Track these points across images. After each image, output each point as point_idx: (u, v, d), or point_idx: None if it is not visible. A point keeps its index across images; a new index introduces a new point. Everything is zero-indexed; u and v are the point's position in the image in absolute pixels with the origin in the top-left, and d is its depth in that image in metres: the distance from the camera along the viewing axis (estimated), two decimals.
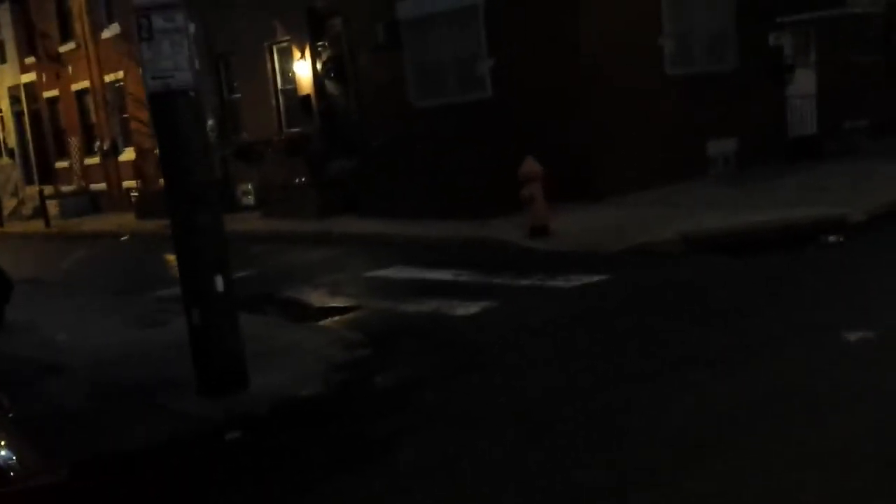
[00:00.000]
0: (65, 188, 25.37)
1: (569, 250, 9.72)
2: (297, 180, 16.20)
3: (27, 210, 25.72)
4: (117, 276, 13.12)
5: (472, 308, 7.59)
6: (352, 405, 5.58)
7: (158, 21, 5.57)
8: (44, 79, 25.83)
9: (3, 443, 2.86)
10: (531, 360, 6.01)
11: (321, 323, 7.82)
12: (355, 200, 14.71)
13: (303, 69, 17.10)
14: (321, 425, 5.25)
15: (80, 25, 23.41)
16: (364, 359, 6.37)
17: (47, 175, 26.46)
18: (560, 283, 8.20)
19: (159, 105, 5.66)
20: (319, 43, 16.86)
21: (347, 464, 4.61)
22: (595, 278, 8.18)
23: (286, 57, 17.64)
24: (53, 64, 24.91)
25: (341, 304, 8.47)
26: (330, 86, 16.92)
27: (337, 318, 7.97)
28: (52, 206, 23.49)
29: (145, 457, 4.77)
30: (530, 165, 10.50)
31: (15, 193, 27.13)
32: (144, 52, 5.59)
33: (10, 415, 3.22)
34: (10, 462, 2.83)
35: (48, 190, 25.00)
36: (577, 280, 8.19)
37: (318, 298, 8.97)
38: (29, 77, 26.51)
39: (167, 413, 5.38)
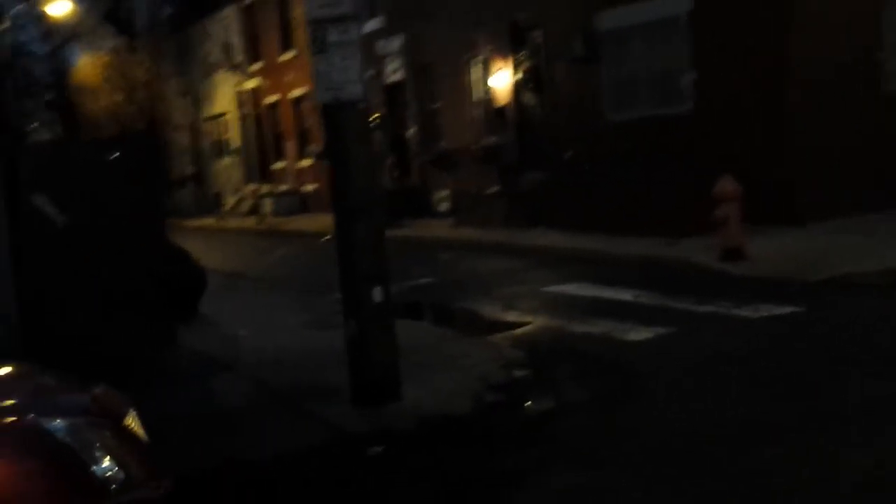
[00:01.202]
0: (279, 188, 26.80)
1: (762, 276, 9.08)
2: (488, 190, 16.26)
3: (244, 207, 27.39)
4: (311, 274, 13.63)
5: (644, 333, 7.23)
6: (496, 429, 5.43)
7: (332, 34, 5.67)
8: (266, 85, 27.47)
9: (106, 454, 2.92)
10: (697, 398, 5.60)
11: (486, 338, 7.73)
12: (544, 212, 14.55)
13: (501, 81, 17.14)
14: (461, 447, 5.14)
15: (300, 35, 24.70)
16: (520, 380, 6.21)
17: (265, 175, 28.08)
18: (747, 312, 7.64)
19: (329, 116, 5.77)
20: (518, 55, 16.85)
21: (473, 496, 4.47)
22: (787, 310, 7.55)
23: (485, 68, 17.76)
24: (274, 71, 26.41)
25: (511, 320, 8.35)
26: (526, 97, 16.87)
27: (503, 333, 7.85)
28: (267, 204, 24.90)
29: (277, 465, 4.83)
30: (727, 184, 9.92)
31: (236, 191, 28.97)
32: (317, 65, 5.71)
33: (132, 412, 3.30)
34: (110, 474, 2.88)
35: (264, 189, 26.55)
36: (766, 311, 7.60)
37: (489, 311, 8.89)
38: (253, 83, 28.27)
39: (314, 420, 5.46)
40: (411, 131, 20.57)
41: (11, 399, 3.08)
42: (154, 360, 6.93)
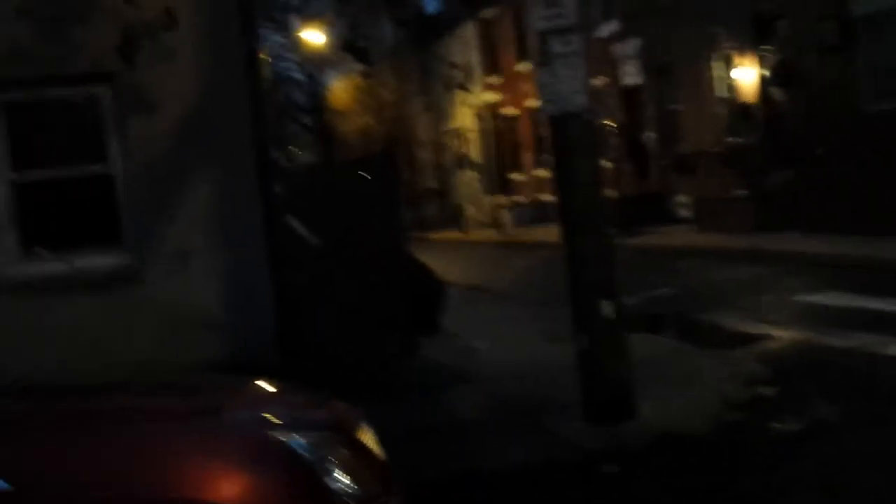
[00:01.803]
0: (518, 199, 27.12)
1: None
2: (732, 192, 15.53)
3: (485, 219, 27.96)
4: (549, 286, 13.63)
5: None
6: (737, 451, 5.13)
7: (556, 45, 5.64)
8: (503, 97, 27.92)
9: (341, 469, 3.03)
10: None
11: (727, 352, 7.35)
12: (794, 215, 13.68)
13: (744, 76, 16.34)
14: (698, 469, 4.90)
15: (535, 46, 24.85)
16: (764, 398, 5.84)
17: (504, 186, 28.53)
18: None
19: (554, 128, 5.74)
20: (763, 48, 15.98)
21: None
22: None
23: (727, 65, 17.00)
24: (511, 83, 26.78)
25: (755, 332, 7.90)
26: (773, 93, 15.95)
27: (747, 347, 7.44)
28: (506, 216, 25.28)
29: (510, 480, 4.84)
30: None
31: (476, 203, 29.65)
32: (541, 76, 5.71)
33: (366, 426, 3.42)
34: (345, 489, 2.98)
35: (504, 200, 26.98)
36: None
37: (732, 323, 8.46)
38: (490, 96, 28.83)
39: (547, 435, 5.43)
40: (650, 135, 20.10)
41: (254, 413, 3.29)
42: (396, 373, 7.21)
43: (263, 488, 2.85)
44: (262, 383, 3.91)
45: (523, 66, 25.88)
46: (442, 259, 13.79)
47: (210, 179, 7.10)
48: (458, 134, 31.54)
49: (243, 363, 6.73)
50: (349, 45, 26.84)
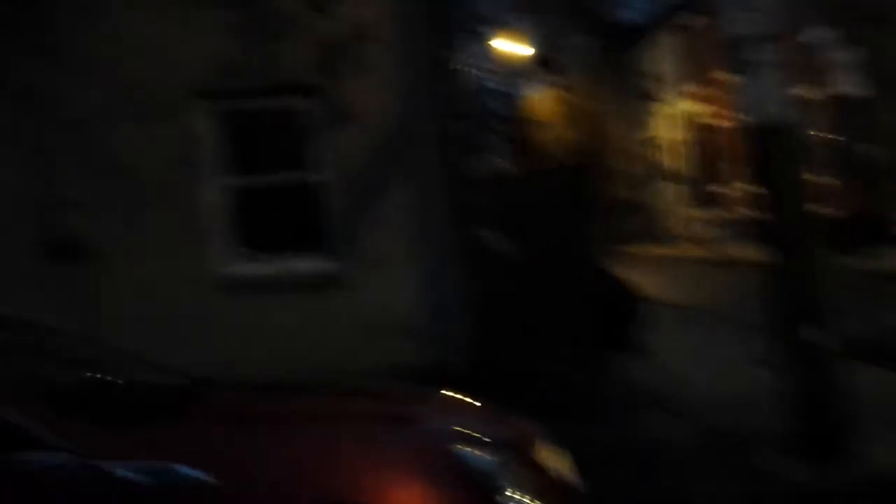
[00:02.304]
0: (719, 212, 26.08)
1: None
2: None
3: (683, 232, 27.08)
4: (753, 307, 12.94)
5: None
6: None
7: (755, 54, 5.33)
8: (702, 108, 26.96)
9: (516, 486, 2.94)
10: None
11: None
12: None
13: None
14: None
15: (737, 56, 23.84)
16: None
17: (705, 200, 27.53)
18: None
19: (757, 138, 5.40)
20: None
21: None
22: None
23: None
24: (711, 93, 25.82)
25: None
26: None
27: None
28: (707, 230, 24.37)
29: None
30: None
31: (675, 217, 28.77)
32: (742, 85, 5.41)
33: (547, 443, 3.31)
34: None
35: (703, 214, 26.02)
36: None
37: None
38: (690, 105, 27.92)
39: (751, 467, 5.08)
40: (873, 149, 18.74)
41: (437, 425, 3.27)
42: (588, 390, 7.02)
43: (435, 500, 2.80)
44: (449, 395, 3.88)
45: (724, 75, 24.91)
46: (638, 273, 13.39)
47: (406, 189, 7.22)
48: (655, 144, 30.77)
49: (435, 371, 6.79)
50: (541, 56, 26.85)
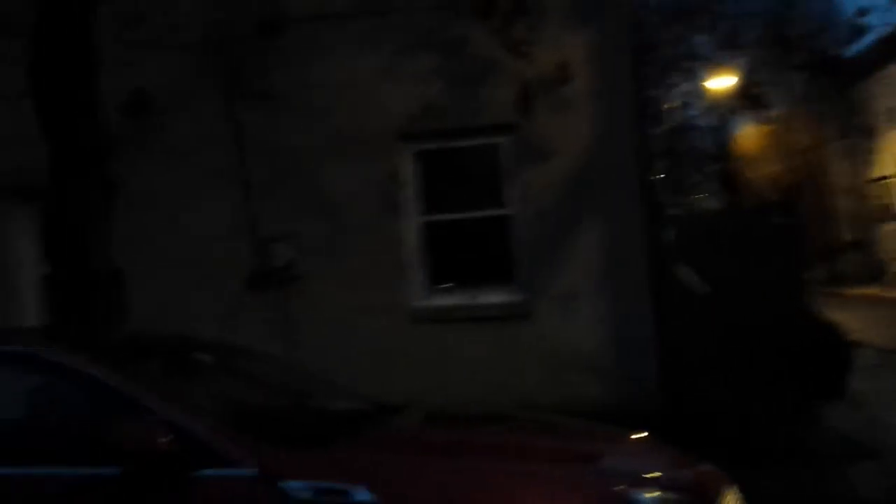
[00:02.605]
0: None
1: None
2: None
3: None
4: None
5: None
6: None
7: None
8: None
9: None
10: None
11: None
12: None
13: None
14: None
15: None
16: None
17: None
18: None
19: None
20: None
21: None
22: None
23: None
24: None
25: None
26: None
27: None
28: None
29: None
30: None
31: None
32: None
33: (733, 493, 3.16)
34: None
35: None
36: None
37: None
38: None
39: None
40: None
41: (614, 466, 3.21)
42: (788, 438, 6.64)
43: None
44: (635, 436, 3.82)
45: None
46: (857, 317, 12.56)
47: (598, 225, 7.19)
48: (885, 182, 28.69)
49: (621, 410, 6.67)
50: (751, 92, 25.85)
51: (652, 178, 7.44)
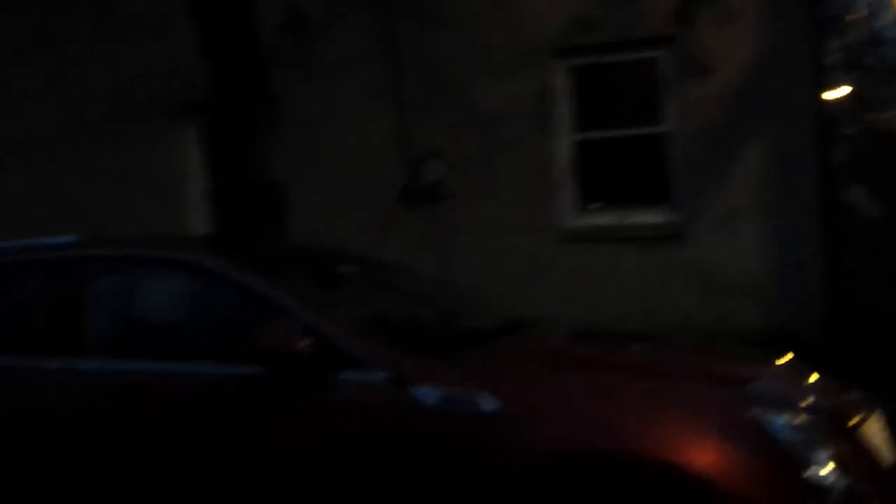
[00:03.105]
0: None
1: None
2: None
3: None
4: None
5: None
6: None
7: None
8: None
9: (828, 458, 2.72)
10: None
11: None
12: None
13: None
14: None
15: None
16: None
17: None
18: None
19: None
20: None
21: None
22: None
23: None
24: None
25: None
26: None
27: None
28: None
29: None
30: None
31: None
32: None
33: (878, 418, 3.01)
34: (829, 480, 2.67)
35: None
36: None
37: None
38: None
39: None
40: None
41: (753, 389, 3.11)
42: None
43: (729, 464, 2.69)
44: (782, 360, 3.68)
45: None
46: None
47: (762, 142, 6.84)
48: None
49: (780, 335, 6.42)
50: None
51: (828, 93, 6.94)
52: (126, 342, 3.38)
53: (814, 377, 3.44)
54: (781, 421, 2.79)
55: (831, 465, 2.76)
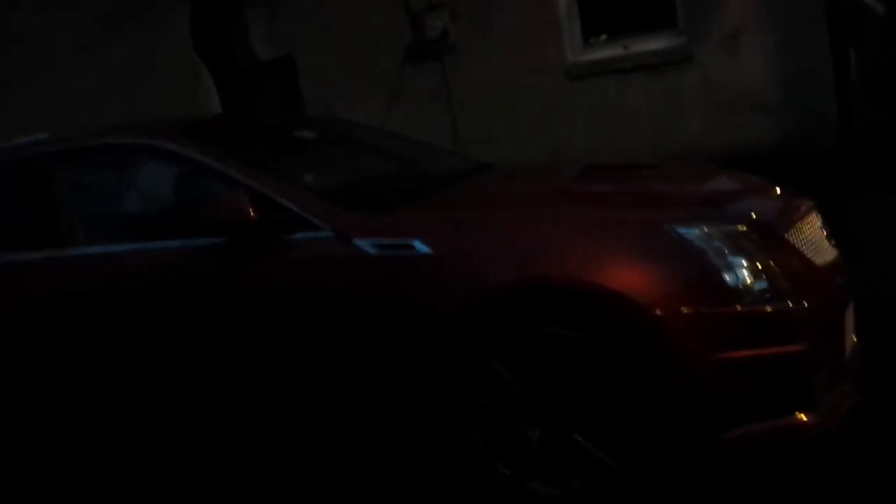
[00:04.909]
0: None
1: None
2: None
3: None
4: None
5: None
6: None
7: None
8: None
9: (744, 262, 2.85)
10: None
11: None
12: None
13: None
14: None
15: None
16: None
17: None
18: None
19: None
20: None
21: None
22: None
23: None
24: None
25: None
26: None
27: None
28: None
29: None
30: None
31: None
32: None
33: (810, 221, 3.19)
34: (754, 287, 2.84)
35: None
36: None
37: None
38: None
39: None
40: None
41: (680, 205, 3.22)
42: None
43: (644, 278, 2.85)
44: (731, 173, 3.76)
45: None
46: None
47: None
48: None
49: (791, 150, 6.38)
50: None
51: None
52: (102, 228, 3.66)
53: (773, 191, 3.52)
54: (696, 232, 2.91)
55: (748, 270, 2.88)
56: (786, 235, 3.11)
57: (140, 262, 3.48)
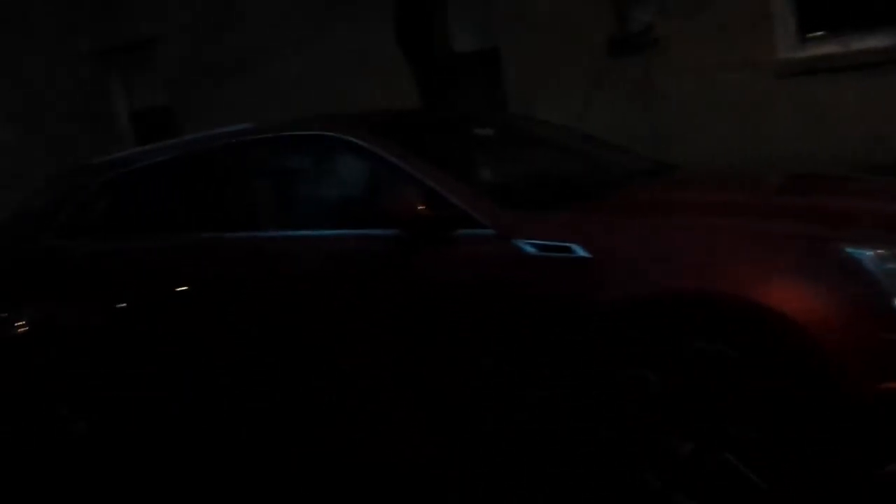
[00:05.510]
0: None
1: None
2: None
3: None
4: None
5: None
6: None
7: None
8: None
9: None
10: None
11: None
12: None
13: None
14: None
15: None
16: None
17: None
18: None
19: None
20: None
21: None
22: None
23: None
24: None
25: None
26: None
27: None
28: None
29: None
30: None
31: None
32: None
33: None
34: None
35: None
36: None
37: None
38: None
39: None
40: None
41: (855, 224, 3.03)
42: None
43: (809, 298, 2.71)
44: None
45: None
46: None
47: None
48: None
49: None
50: None
51: None
52: (289, 214, 3.92)
53: None
54: (868, 254, 2.74)
55: None
56: None
57: (328, 247, 3.69)
